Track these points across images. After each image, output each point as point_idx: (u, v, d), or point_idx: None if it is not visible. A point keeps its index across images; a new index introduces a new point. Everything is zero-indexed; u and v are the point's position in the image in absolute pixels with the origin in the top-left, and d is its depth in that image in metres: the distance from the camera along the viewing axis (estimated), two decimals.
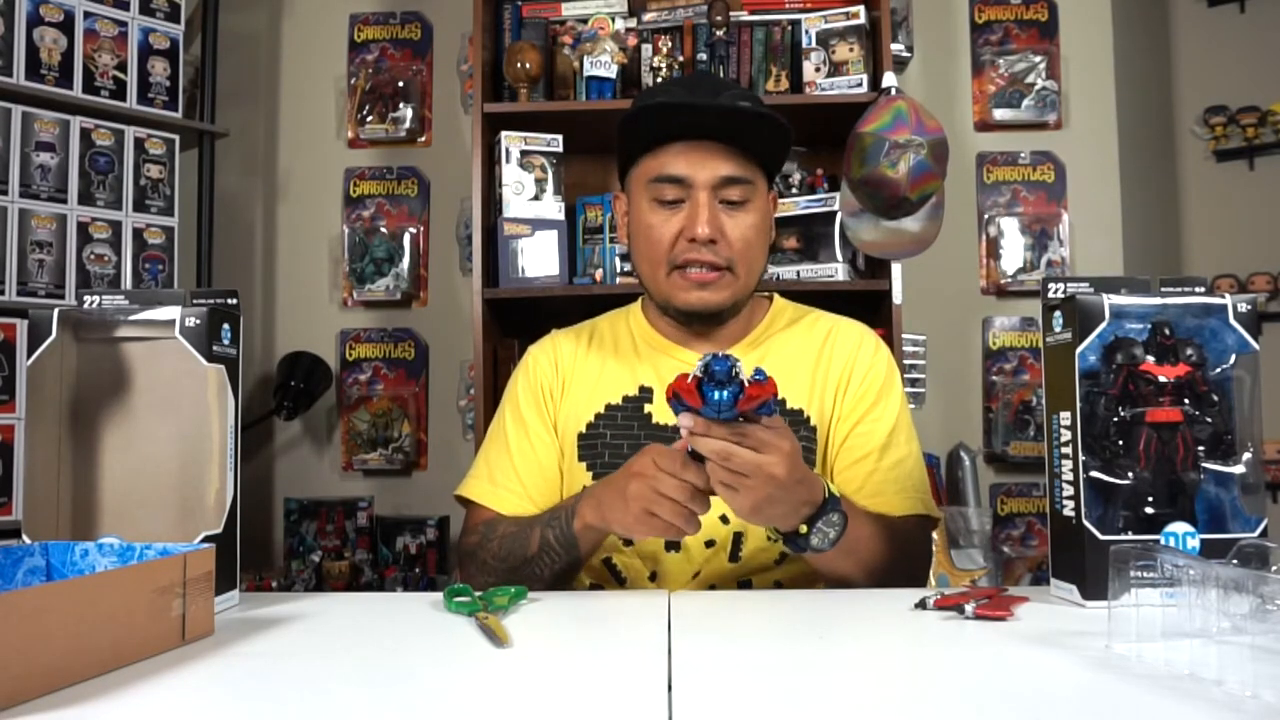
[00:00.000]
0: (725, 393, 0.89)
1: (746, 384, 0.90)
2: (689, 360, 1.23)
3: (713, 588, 1.17)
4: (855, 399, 1.23)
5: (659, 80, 2.26)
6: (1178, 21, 2.91)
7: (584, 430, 1.24)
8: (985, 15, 2.63)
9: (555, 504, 1.18)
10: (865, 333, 1.30)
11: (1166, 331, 0.90)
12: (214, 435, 0.91)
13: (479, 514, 1.24)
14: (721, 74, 2.25)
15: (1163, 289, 0.92)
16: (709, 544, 1.18)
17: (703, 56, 2.27)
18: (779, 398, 1.21)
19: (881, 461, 1.20)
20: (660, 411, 1.22)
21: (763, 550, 1.17)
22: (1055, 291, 0.94)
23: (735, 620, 0.91)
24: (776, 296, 1.34)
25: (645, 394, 1.24)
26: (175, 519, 0.90)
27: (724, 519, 1.16)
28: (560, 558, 1.09)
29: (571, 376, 1.28)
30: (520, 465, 1.25)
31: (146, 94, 2.26)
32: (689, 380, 0.90)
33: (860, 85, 2.17)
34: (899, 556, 1.12)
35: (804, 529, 0.99)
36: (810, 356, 1.26)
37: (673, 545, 1.18)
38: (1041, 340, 0.97)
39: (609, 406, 1.24)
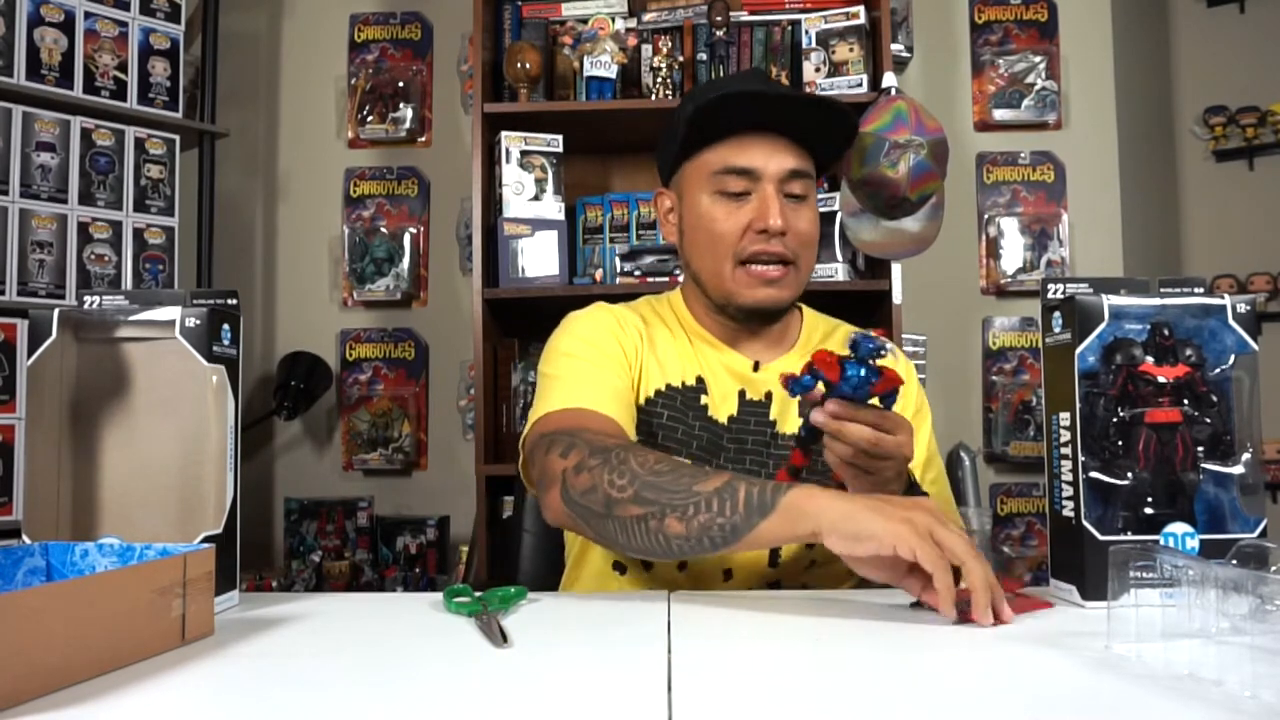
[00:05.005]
0: (865, 370, 0.91)
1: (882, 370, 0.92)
2: (735, 360, 1.22)
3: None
4: None
5: (659, 80, 2.25)
6: (1178, 22, 2.91)
7: (642, 403, 1.18)
8: (985, 15, 2.63)
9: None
10: (894, 350, 1.30)
11: (1166, 332, 0.90)
12: (214, 435, 0.91)
13: (570, 418, 1.05)
14: (721, 74, 2.25)
15: (1162, 290, 0.92)
16: None
17: (703, 56, 2.27)
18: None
19: (923, 478, 1.21)
20: (715, 406, 1.19)
21: (798, 556, 1.17)
22: (1054, 292, 0.94)
23: (735, 621, 0.91)
24: (804, 307, 1.33)
25: (701, 385, 1.20)
26: (175, 519, 0.90)
27: None
28: (728, 516, 0.87)
29: (637, 342, 1.21)
30: (605, 371, 1.13)
31: (147, 94, 2.26)
32: (831, 356, 0.91)
33: (860, 85, 2.17)
34: None
35: None
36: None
37: None
38: (1041, 341, 0.97)
39: (669, 387, 1.19)
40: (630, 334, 1.20)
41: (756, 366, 1.23)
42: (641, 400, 1.19)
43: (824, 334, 1.30)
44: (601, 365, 1.14)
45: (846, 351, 0.94)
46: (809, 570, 1.18)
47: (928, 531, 0.81)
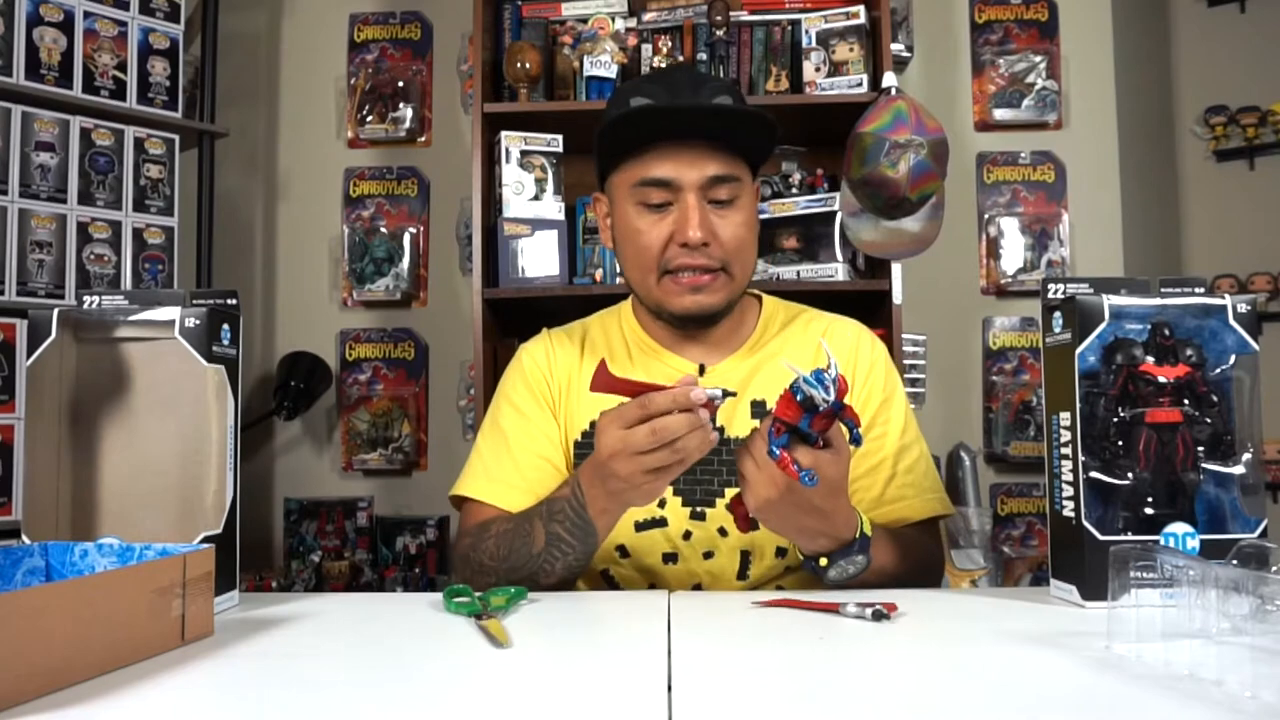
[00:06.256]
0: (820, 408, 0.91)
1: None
2: (682, 365, 1.21)
3: None
4: (861, 403, 1.20)
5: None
6: (1178, 22, 2.91)
7: (579, 438, 1.21)
8: (985, 15, 2.63)
9: (547, 497, 1.09)
10: (861, 331, 1.27)
11: (1166, 332, 0.90)
12: (214, 435, 0.91)
13: (475, 513, 1.18)
14: (721, 74, 2.25)
15: (1162, 290, 0.92)
16: (707, 555, 1.16)
17: (703, 56, 2.27)
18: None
19: (899, 465, 1.19)
20: None
21: (770, 569, 1.16)
22: (1055, 292, 0.94)
23: (735, 620, 0.91)
24: (765, 297, 1.31)
25: None
26: (175, 519, 0.90)
27: (722, 531, 1.15)
28: (574, 549, 1.03)
29: (569, 378, 1.25)
30: (520, 458, 1.19)
31: (146, 94, 2.26)
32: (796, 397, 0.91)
33: (860, 85, 2.17)
34: (915, 568, 1.11)
35: (824, 561, 1.00)
36: (808, 361, 1.23)
37: (670, 557, 1.17)
38: (1041, 341, 0.97)
39: (604, 416, 1.22)
40: (556, 380, 1.25)
41: (702, 370, 1.22)
42: (579, 435, 1.21)
43: (782, 324, 1.27)
44: (523, 438, 1.21)
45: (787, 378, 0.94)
46: (784, 576, 1.18)
47: (639, 468, 0.93)
